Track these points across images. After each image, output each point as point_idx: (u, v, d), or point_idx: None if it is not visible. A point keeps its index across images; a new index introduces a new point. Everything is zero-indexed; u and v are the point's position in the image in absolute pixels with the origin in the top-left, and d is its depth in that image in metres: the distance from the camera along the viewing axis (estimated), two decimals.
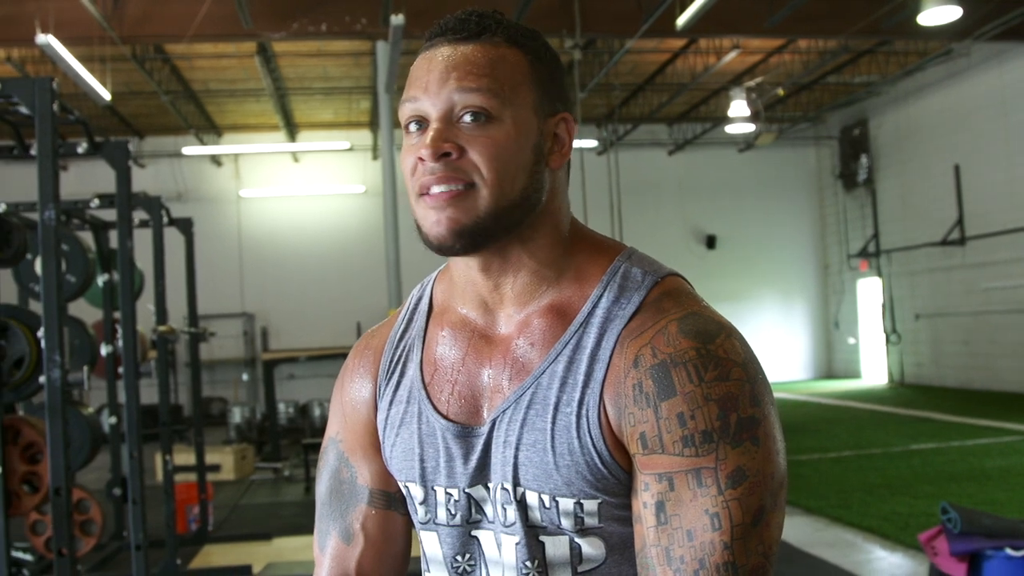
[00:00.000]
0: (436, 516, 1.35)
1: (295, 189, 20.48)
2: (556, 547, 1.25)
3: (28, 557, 6.40)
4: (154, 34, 12.87)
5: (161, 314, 7.06)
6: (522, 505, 1.25)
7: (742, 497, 1.13)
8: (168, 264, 7.39)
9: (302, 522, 8.92)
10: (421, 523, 1.37)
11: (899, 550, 6.79)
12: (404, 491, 1.40)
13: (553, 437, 1.23)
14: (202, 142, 19.16)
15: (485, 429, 1.30)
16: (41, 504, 5.06)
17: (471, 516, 1.32)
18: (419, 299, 1.47)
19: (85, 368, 5.31)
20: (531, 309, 1.32)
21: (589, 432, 1.21)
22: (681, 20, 12.16)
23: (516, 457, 1.26)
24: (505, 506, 1.27)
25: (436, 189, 1.24)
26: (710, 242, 21.97)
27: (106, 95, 13.81)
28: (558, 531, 1.24)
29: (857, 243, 21.31)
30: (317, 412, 16.08)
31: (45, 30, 11.41)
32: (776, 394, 17.62)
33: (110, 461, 7.70)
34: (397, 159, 14.05)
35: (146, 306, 7.22)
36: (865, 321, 21.50)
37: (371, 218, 19.28)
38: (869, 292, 21.40)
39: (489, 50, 1.27)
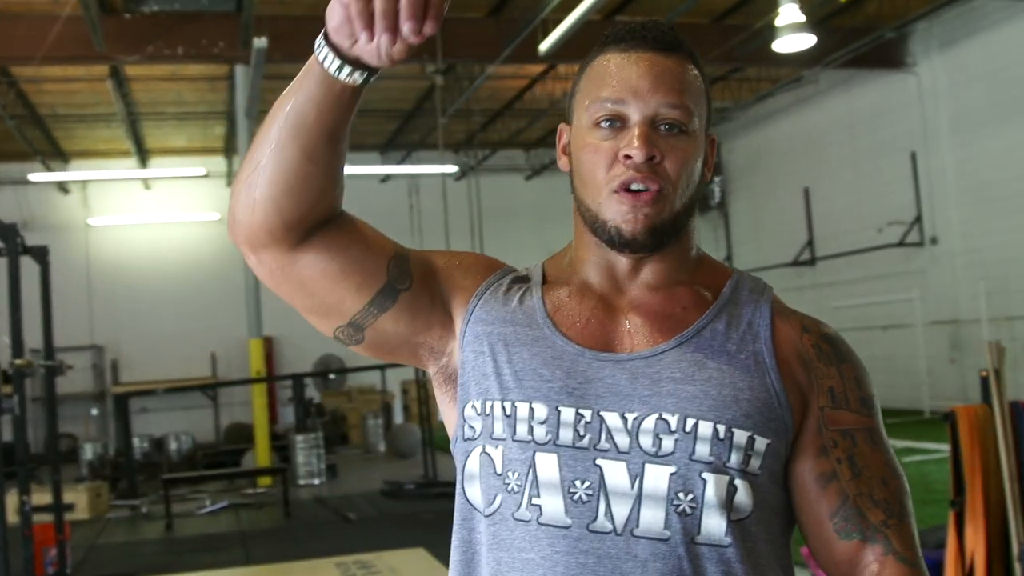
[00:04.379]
0: (558, 437, 1.34)
1: (147, 217, 19.93)
2: (717, 486, 1.29)
3: None
4: (1, 56, 12.38)
5: (17, 347, 6.72)
6: (690, 436, 1.31)
7: (895, 456, 1.40)
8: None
9: (165, 561, 8.62)
10: (539, 444, 1.35)
11: None
12: (505, 410, 1.38)
13: (732, 376, 1.35)
14: (49, 168, 18.47)
15: (635, 362, 1.36)
16: None
17: (599, 442, 1.33)
18: (527, 271, 1.54)
19: None
20: (668, 286, 1.44)
21: (768, 374, 1.36)
22: (544, 45, 12.28)
23: (688, 391, 1.33)
24: (660, 436, 1.31)
25: (637, 187, 1.35)
26: None
27: None
28: (723, 469, 1.30)
29: None
30: (173, 446, 15.66)
31: None
32: None
33: None
34: None
35: (0, 338, 6.88)
36: None
37: (227, 246, 18.80)
38: None
39: (685, 67, 1.40)
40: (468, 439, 1.41)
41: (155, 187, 20.11)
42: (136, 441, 14.91)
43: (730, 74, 16.85)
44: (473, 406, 1.41)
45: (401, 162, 20.53)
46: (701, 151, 1.42)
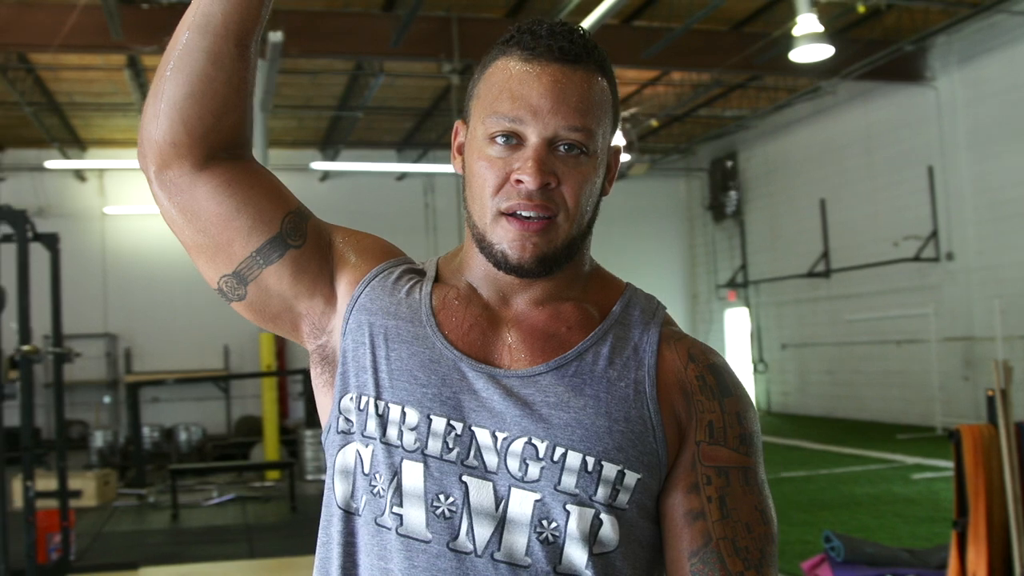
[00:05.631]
0: (427, 447, 1.30)
1: None
2: (580, 520, 1.26)
3: None
4: (18, 43, 12.41)
5: (25, 333, 6.75)
6: (557, 466, 1.27)
7: (769, 499, 1.35)
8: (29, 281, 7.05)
9: (169, 551, 8.64)
10: (407, 451, 1.31)
11: None
12: (378, 408, 1.33)
13: (609, 405, 1.30)
14: (66, 156, 18.52)
15: (513, 381, 1.32)
16: None
17: (467, 458, 1.29)
18: (423, 264, 1.49)
19: None
20: (555, 301, 1.39)
21: (647, 406, 1.31)
22: None
23: (561, 418, 1.29)
24: (527, 461, 1.28)
25: (527, 214, 1.29)
26: None
27: None
28: (588, 503, 1.27)
29: (726, 273, 21.72)
30: (183, 436, 15.70)
31: None
32: None
33: None
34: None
35: (8, 324, 6.91)
36: (732, 350, 21.86)
37: None
38: (737, 322, 21.79)
39: (591, 80, 1.32)
40: (342, 432, 1.37)
41: None
42: (146, 430, 15.00)
43: (748, 82, 16.79)
44: (351, 398, 1.36)
45: (417, 161, 20.53)
46: (602, 170, 1.36)
